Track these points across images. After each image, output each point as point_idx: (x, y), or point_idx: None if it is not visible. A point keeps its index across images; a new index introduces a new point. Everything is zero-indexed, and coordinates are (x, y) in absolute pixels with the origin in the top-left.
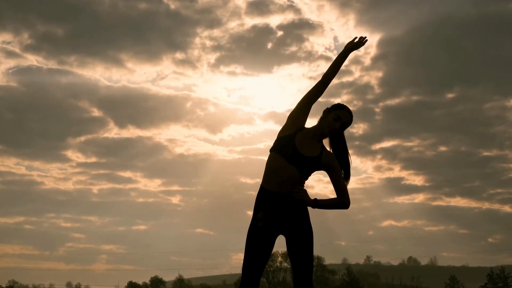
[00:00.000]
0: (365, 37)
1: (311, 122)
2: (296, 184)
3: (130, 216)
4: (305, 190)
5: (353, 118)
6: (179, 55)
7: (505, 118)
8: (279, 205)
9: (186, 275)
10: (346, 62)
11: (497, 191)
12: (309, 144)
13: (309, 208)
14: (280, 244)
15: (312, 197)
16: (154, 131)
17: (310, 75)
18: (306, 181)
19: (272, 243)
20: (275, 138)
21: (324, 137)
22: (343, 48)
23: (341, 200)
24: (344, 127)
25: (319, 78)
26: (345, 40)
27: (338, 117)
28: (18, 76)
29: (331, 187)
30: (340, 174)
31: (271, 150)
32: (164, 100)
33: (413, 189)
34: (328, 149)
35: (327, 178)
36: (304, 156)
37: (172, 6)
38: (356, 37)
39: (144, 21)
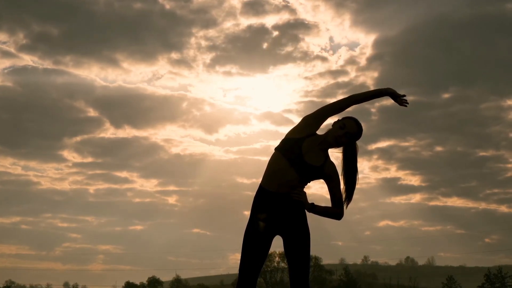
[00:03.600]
0: (407, 101)
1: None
2: (295, 187)
3: (126, 216)
4: (305, 193)
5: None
6: (174, 55)
7: (501, 119)
8: (277, 205)
9: (183, 275)
10: (341, 63)
11: (493, 191)
12: (315, 152)
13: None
14: (278, 245)
15: (309, 200)
16: (150, 131)
17: (306, 75)
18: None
19: (269, 244)
20: (271, 138)
21: (329, 146)
22: (339, 48)
23: (337, 212)
24: (349, 136)
25: (315, 79)
26: (340, 40)
27: (344, 125)
28: (14, 76)
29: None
30: (339, 185)
31: (277, 149)
32: (160, 100)
33: (409, 189)
34: (332, 160)
35: None
36: (307, 163)
37: (167, 6)
38: (403, 95)
39: (139, 21)
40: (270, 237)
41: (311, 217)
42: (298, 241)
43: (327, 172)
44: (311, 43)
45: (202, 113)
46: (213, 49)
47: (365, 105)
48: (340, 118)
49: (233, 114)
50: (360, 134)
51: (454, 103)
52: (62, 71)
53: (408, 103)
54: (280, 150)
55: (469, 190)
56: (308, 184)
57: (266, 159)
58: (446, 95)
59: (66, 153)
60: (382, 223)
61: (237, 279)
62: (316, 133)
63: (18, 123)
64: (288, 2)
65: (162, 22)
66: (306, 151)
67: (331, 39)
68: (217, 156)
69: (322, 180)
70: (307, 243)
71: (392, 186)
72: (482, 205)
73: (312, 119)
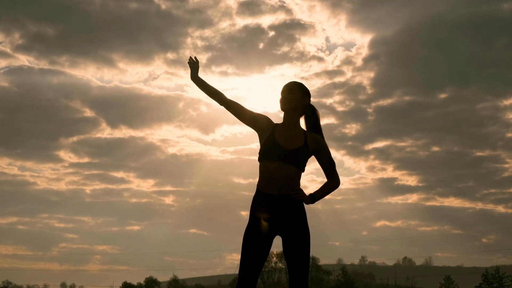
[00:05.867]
0: (195, 58)
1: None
2: (295, 181)
3: (123, 216)
4: (302, 190)
5: (345, 117)
6: (170, 55)
7: (497, 118)
8: (279, 207)
9: (180, 276)
10: (338, 63)
11: (490, 191)
12: (290, 135)
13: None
14: (276, 245)
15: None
16: (147, 131)
17: (302, 75)
18: (300, 181)
19: (269, 245)
20: None
21: (292, 116)
22: (335, 48)
23: (332, 184)
24: (292, 93)
25: (311, 79)
26: (336, 40)
27: (281, 91)
28: (10, 76)
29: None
30: (327, 155)
31: (260, 159)
32: (156, 100)
33: (406, 190)
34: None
35: (320, 179)
36: (292, 150)
37: (163, 6)
38: (190, 59)
39: (135, 21)
40: (271, 238)
41: (309, 219)
42: (298, 241)
43: (312, 148)
44: (307, 43)
45: (199, 113)
46: (209, 49)
47: (361, 105)
48: None
49: (229, 114)
50: (297, 83)
51: (451, 103)
52: (58, 71)
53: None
54: (263, 156)
55: (466, 190)
56: (304, 184)
57: None
58: (442, 95)
59: (62, 153)
60: (379, 223)
61: (235, 280)
62: (276, 123)
63: (14, 123)
64: (284, 2)
65: (158, 22)
66: (282, 141)
67: (327, 39)
68: (213, 156)
69: (318, 181)
70: (307, 244)
71: (389, 186)
72: (479, 205)
73: (254, 127)
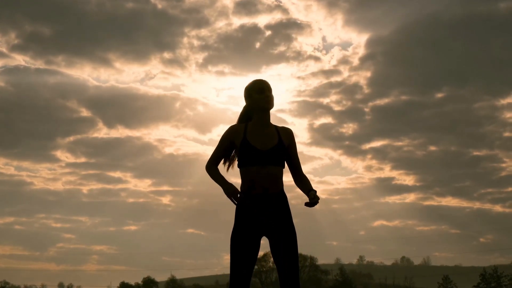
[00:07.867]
0: None
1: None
2: (278, 178)
3: (120, 216)
4: (315, 194)
5: (342, 117)
6: (167, 55)
7: (494, 118)
8: (264, 206)
9: (178, 275)
10: (334, 62)
11: (488, 191)
12: (265, 134)
13: (299, 210)
14: None
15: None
16: (144, 131)
17: (299, 75)
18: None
19: (258, 246)
20: None
21: (268, 115)
22: (331, 48)
23: (305, 178)
24: (271, 91)
25: (308, 78)
26: (333, 40)
27: (259, 89)
28: (6, 76)
29: (322, 186)
30: (296, 149)
31: (239, 166)
32: (153, 100)
33: (404, 189)
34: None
35: (317, 178)
36: (268, 151)
37: (159, 6)
38: None
39: (131, 20)
40: (258, 239)
41: (307, 219)
42: (286, 241)
43: (286, 143)
44: (304, 42)
45: (195, 113)
46: (205, 48)
47: (358, 105)
48: (248, 90)
49: (226, 114)
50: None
51: (448, 102)
52: (55, 71)
53: None
54: (242, 164)
55: (464, 190)
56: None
57: None
58: (439, 95)
59: (59, 153)
60: (377, 223)
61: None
62: (241, 124)
63: (11, 123)
64: (281, 2)
65: (154, 21)
66: (258, 143)
67: (323, 38)
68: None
69: (315, 180)
70: (295, 243)
71: (386, 186)
72: (477, 205)
73: (232, 150)
